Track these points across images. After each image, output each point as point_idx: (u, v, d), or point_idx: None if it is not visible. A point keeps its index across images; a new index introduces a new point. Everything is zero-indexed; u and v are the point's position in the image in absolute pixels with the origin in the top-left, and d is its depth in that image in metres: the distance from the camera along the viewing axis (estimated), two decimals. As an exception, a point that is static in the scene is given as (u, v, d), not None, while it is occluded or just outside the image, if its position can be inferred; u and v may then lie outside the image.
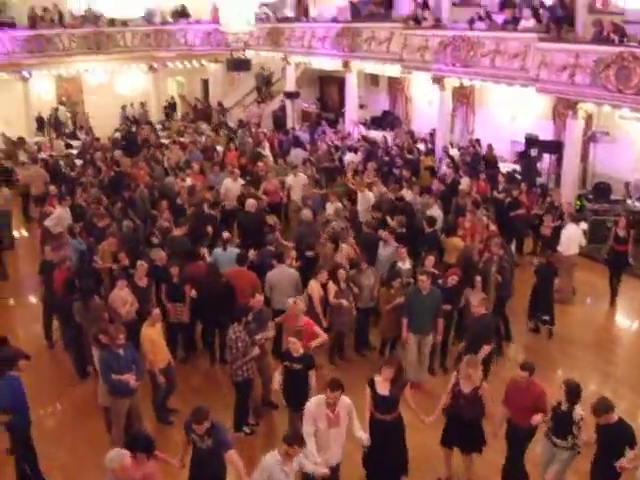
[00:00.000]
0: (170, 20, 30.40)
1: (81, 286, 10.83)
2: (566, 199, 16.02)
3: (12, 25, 27.51)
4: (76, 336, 10.91)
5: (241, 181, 17.24)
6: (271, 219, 14.42)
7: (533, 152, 19.30)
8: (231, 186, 16.83)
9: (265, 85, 31.81)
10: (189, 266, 11.58)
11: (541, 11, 17.73)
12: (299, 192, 16.95)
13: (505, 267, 11.74)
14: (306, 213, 14.08)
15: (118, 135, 25.57)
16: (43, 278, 12.36)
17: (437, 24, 20.63)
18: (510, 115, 21.18)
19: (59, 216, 14.93)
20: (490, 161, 19.71)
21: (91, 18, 28.38)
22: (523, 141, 20.00)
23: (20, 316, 14.41)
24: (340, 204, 15.26)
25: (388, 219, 14.25)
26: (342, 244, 12.64)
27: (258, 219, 14.33)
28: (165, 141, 24.10)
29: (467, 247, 12.98)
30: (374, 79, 27.65)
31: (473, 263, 11.98)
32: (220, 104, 30.99)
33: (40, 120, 29.04)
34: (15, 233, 18.37)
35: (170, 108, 31.92)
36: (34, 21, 27.85)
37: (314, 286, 11.01)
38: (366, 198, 15.69)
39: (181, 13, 30.52)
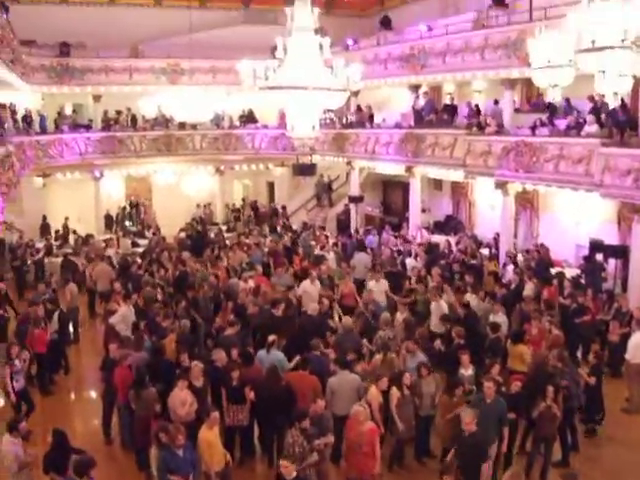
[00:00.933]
0: (238, 124, 31.33)
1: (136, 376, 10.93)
2: (634, 304, 15.62)
3: (88, 127, 28.72)
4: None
5: (318, 284, 17.16)
6: (334, 323, 14.32)
7: (598, 257, 19.01)
8: (310, 289, 16.77)
9: (326, 192, 32.19)
10: (248, 369, 11.53)
11: (603, 116, 17.72)
12: (380, 298, 16.80)
13: (568, 378, 11.41)
14: (346, 321, 13.80)
15: (184, 235, 26.08)
16: (104, 375, 12.45)
17: (500, 130, 20.76)
18: (574, 219, 20.96)
19: (123, 314, 15.09)
20: (545, 264, 19.45)
21: (162, 121, 29.41)
22: (588, 245, 19.73)
23: (79, 411, 14.51)
24: (408, 314, 15.05)
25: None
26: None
27: (319, 323, 14.22)
28: (229, 242, 24.42)
29: (540, 355, 12.59)
30: (437, 183, 27.80)
31: (546, 372, 11.61)
32: (284, 207, 31.45)
33: (109, 218, 29.78)
34: (80, 328, 18.62)
35: (235, 210, 32.37)
36: (108, 123, 29.02)
37: (374, 393, 10.80)
38: (439, 308, 15.30)
39: (249, 118, 31.43)
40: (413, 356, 12.23)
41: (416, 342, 12.83)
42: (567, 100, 19.10)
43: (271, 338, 12.65)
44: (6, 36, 18.85)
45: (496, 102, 22.29)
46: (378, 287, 17.07)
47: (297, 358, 12.33)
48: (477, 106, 23.38)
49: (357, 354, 12.44)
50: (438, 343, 13.38)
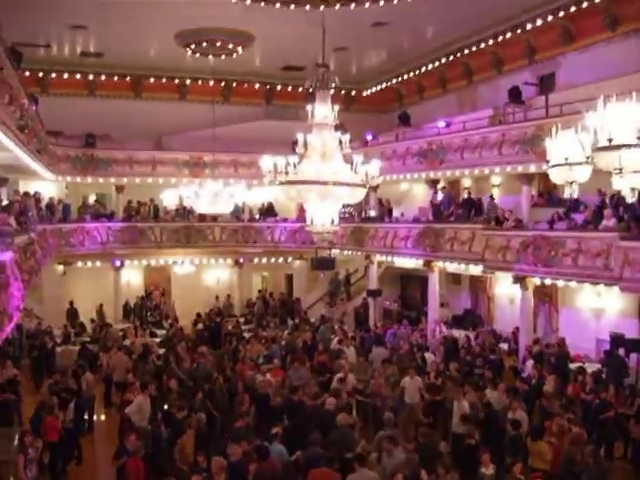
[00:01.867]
0: (258, 217, 31.67)
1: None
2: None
3: (110, 217, 29.18)
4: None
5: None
6: (352, 419, 14.14)
7: (620, 351, 18.78)
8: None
9: (340, 287, 32.19)
10: (263, 463, 11.35)
11: (621, 210, 17.78)
12: (414, 395, 16.56)
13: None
14: (340, 418, 13.37)
15: (201, 326, 26.10)
16: (117, 465, 12.31)
17: (518, 225, 20.86)
18: (594, 313, 20.82)
19: (139, 404, 14.99)
20: (565, 358, 19.22)
21: (183, 213, 29.79)
22: (609, 340, 19.51)
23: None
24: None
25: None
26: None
27: (334, 418, 13.95)
28: (247, 335, 24.36)
29: (569, 452, 12.28)
30: (456, 277, 27.78)
31: (573, 470, 11.33)
32: (297, 300, 31.51)
33: (127, 307, 29.88)
34: (95, 417, 18.46)
35: (251, 305, 32.28)
36: (130, 214, 29.47)
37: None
38: (461, 407, 14.95)
39: (268, 211, 31.78)
40: (390, 455, 11.89)
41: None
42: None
43: (275, 430, 12.54)
44: (35, 127, 19.34)
45: (491, 197, 22.89)
46: (412, 384, 16.76)
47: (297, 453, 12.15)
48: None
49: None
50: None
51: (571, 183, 10.36)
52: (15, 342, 23.21)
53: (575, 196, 11.09)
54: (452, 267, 24.71)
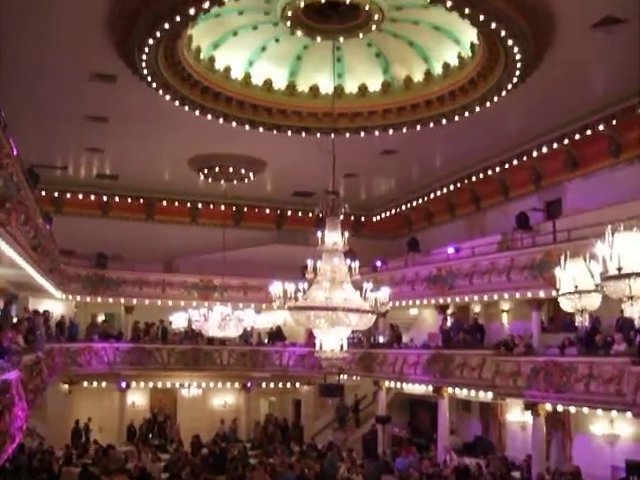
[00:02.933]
0: (266, 341, 31.51)
1: None
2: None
3: (118, 337, 29.11)
4: None
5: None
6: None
7: (636, 478, 18.21)
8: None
9: (352, 412, 31.70)
10: None
11: (632, 334, 17.62)
12: None
13: None
14: None
15: (206, 451, 25.57)
16: None
17: (528, 350, 20.69)
18: (609, 440, 20.33)
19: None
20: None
21: (191, 335, 29.69)
22: (624, 467, 18.96)
23: None
24: None
25: None
26: None
27: None
28: (253, 461, 23.83)
29: None
30: (466, 404, 27.33)
31: None
32: (301, 428, 31.04)
33: (131, 429, 29.35)
34: None
35: (261, 429, 31.73)
36: (138, 335, 29.39)
37: None
38: None
39: (277, 335, 31.64)
40: None
41: None
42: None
43: None
44: (47, 246, 19.59)
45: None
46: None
47: None
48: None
49: None
50: None
51: (582, 311, 10.35)
52: (17, 462, 22.69)
53: (586, 324, 11.07)
54: (462, 393, 24.36)
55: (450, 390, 24.00)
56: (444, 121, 20.48)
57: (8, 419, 11.45)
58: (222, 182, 26.95)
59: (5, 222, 11.59)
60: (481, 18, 14.67)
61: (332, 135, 17.49)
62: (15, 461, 21.42)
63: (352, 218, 31.77)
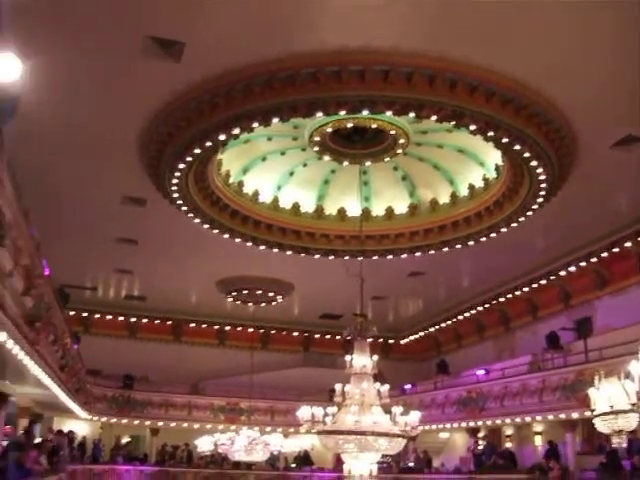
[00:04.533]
0: (293, 466, 30.79)
1: None
2: None
3: (143, 460, 28.61)
4: None
5: None
6: None
7: None
8: None
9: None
10: None
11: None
12: None
13: None
14: None
15: None
16: None
17: (564, 474, 20.05)
18: None
19: None
20: None
21: (217, 459, 29.11)
22: None
23: None
24: None
25: None
26: None
27: None
28: None
29: None
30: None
31: None
32: None
33: None
34: None
35: None
36: (163, 458, 28.89)
37: None
38: None
39: (304, 460, 30.92)
40: None
41: None
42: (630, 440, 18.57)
43: None
44: (74, 365, 19.62)
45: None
46: None
47: None
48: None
49: None
50: None
51: (619, 432, 10.08)
52: None
53: (624, 445, 10.76)
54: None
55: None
56: (471, 242, 20.58)
57: None
58: (250, 304, 27.04)
59: (34, 341, 11.67)
60: (504, 140, 14.93)
61: (360, 258, 17.60)
62: None
63: (380, 340, 31.52)
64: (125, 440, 29.72)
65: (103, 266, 24.85)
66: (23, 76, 7.40)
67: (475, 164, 18.42)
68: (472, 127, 14.46)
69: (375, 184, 19.78)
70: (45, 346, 13.36)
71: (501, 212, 19.10)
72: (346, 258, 21.27)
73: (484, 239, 20.39)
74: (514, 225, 19.44)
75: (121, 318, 30.42)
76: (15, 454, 13.17)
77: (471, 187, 19.23)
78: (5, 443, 15.98)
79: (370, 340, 12.88)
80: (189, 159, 15.92)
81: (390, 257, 21.71)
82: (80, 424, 27.43)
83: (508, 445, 25.01)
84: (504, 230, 19.77)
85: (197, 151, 15.49)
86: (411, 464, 27.76)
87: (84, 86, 13.52)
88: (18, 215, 9.17)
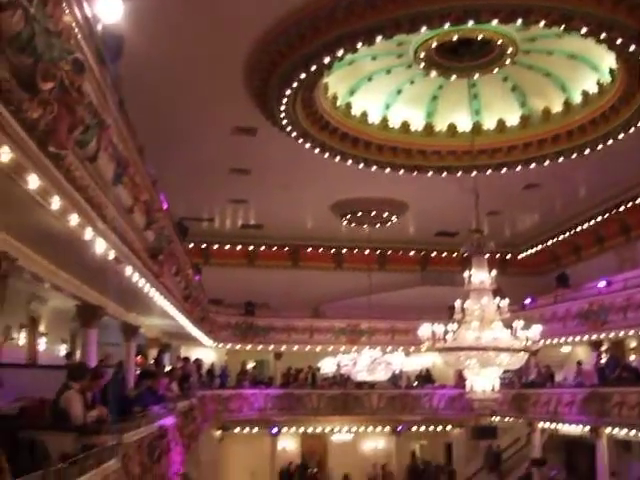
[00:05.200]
0: (415, 384, 31.18)
1: None
2: None
3: (268, 384, 29.59)
4: None
5: None
6: None
7: None
8: None
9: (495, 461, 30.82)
10: None
11: None
12: None
13: None
14: None
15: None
16: None
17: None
18: None
19: None
20: None
21: (340, 380, 29.78)
22: None
23: None
24: None
25: None
26: None
27: None
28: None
29: None
30: (626, 444, 26.00)
31: None
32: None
33: (283, 474, 29.65)
34: None
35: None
36: (287, 381, 29.77)
37: None
38: None
39: (426, 377, 31.27)
40: None
41: None
42: None
43: None
44: (198, 296, 20.26)
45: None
46: None
47: None
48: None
49: None
50: None
51: None
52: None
53: None
54: (621, 433, 23.23)
55: (608, 430, 22.93)
56: (587, 151, 19.88)
57: (165, 463, 11.82)
58: (365, 226, 27.09)
59: (158, 273, 12.07)
60: (618, 42, 14.24)
61: (473, 173, 17.32)
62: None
63: (498, 256, 31.11)
64: (250, 365, 30.76)
65: (218, 197, 25.31)
66: (126, 16, 7.51)
67: (588, 69, 17.63)
68: (583, 30, 13.83)
69: (484, 97, 19.24)
70: (169, 278, 13.82)
71: (617, 118, 18.29)
72: (459, 174, 20.98)
73: (600, 147, 19.64)
74: (632, 131, 18.64)
75: (239, 247, 31.02)
76: (148, 382, 13.75)
77: (585, 94, 18.46)
78: (138, 372, 16.75)
79: (487, 256, 12.75)
80: (295, 85, 15.91)
81: (504, 170, 21.24)
82: (207, 352, 28.51)
83: (632, 358, 24.55)
84: (621, 136, 18.98)
85: (302, 76, 15.47)
86: (533, 379, 27.69)
87: (189, 19, 13.59)
88: (133, 152, 9.38)
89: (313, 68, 15.13)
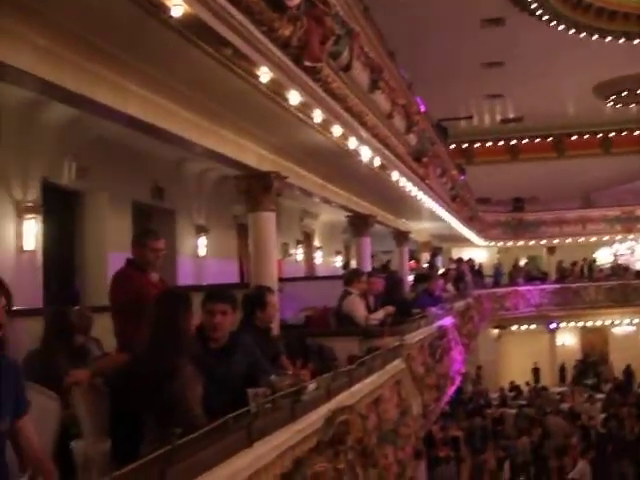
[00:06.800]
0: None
1: None
2: None
3: (542, 279, 29.17)
4: None
5: None
6: None
7: None
8: None
9: None
10: None
11: None
12: None
13: None
14: None
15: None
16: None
17: None
18: None
19: (581, 470, 14.58)
20: None
21: (618, 271, 28.63)
22: None
23: None
24: None
25: None
26: None
27: None
28: None
29: None
30: None
31: None
32: None
33: (563, 370, 29.34)
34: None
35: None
36: (562, 275, 29.16)
37: None
38: None
39: None
40: None
41: None
42: None
43: None
44: (464, 196, 20.26)
45: None
46: None
47: None
48: None
49: None
50: None
51: None
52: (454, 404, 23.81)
53: None
54: None
55: None
56: None
57: (447, 362, 12.11)
58: (632, 106, 25.35)
59: (424, 176, 12.17)
60: None
61: None
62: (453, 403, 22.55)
63: None
64: (523, 261, 30.42)
65: (473, 94, 24.72)
66: None
67: None
68: None
69: None
70: (434, 180, 13.91)
71: None
72: None
73: None
74: None
75: (500, 143, 30.26)
76: (424, 285, 14.04)
77: None
78: (412, 277, 17.14)
79: None
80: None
81: None
82: (478, 251, 28.52)
83: None
84: None
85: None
86: None
87: None
88: (385, 58, 9.40)
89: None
